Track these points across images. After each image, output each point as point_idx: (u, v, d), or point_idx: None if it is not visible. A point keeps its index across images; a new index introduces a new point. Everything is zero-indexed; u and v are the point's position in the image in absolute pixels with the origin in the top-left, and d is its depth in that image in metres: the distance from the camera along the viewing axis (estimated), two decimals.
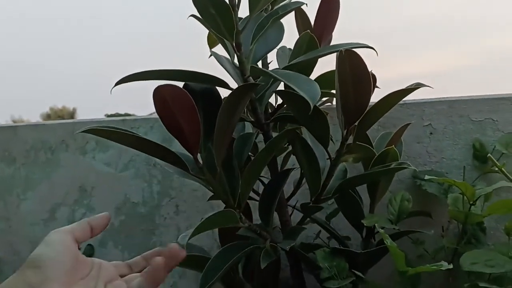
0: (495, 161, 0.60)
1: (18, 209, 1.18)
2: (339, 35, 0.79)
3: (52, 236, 0.47)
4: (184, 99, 0.57)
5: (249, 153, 0.72)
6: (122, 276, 0.53)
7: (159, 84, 0.57)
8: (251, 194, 0.79)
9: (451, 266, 0.52)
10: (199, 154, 0.63)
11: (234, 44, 0.63)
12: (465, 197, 0.69)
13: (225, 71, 0.70)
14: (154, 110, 0.62)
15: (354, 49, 0.60)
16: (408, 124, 0.77)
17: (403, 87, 0.66)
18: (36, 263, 0.44)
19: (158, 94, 0.56)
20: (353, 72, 0.60)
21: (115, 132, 0.58)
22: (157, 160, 0.69)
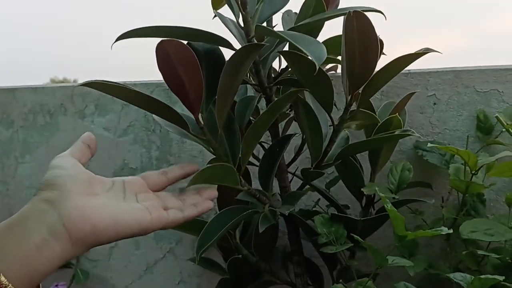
0: (502, 121, 0.59)
1: (16, 172, 1.17)
2: (347, 2, 0.77)
3: (55, 161, 0.48)
4: (188, 55, 0.56)
5: (251, 118, 0.72)
6: (157, 185, 0.55)
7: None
8: (252, 160, 0.79)
9: (451, 231, 0.52)
10: (200, 114, 0.62)
11: (239, 2, 0.62)
12: (467, 167, 0.68)
13: (229, 34, 0.69)
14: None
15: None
16: (413, 93, 0.76)
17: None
18: (50, 182, 0.45)
19: (161, 49, 0.55)
20: (361, 34, 0.59)
21: (115, 87, 0.57)
22: (157, 119, 0.68)
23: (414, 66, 0.67)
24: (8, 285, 0.39)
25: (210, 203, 0.56)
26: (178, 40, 0.55)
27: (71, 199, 0.44)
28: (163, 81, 0.58)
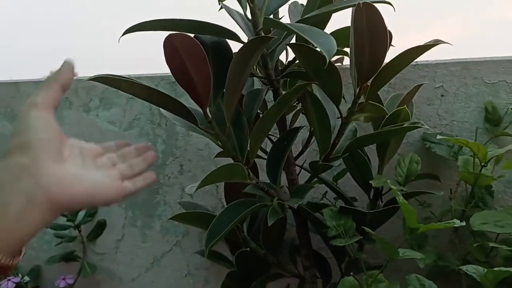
0: None
1: None
2: None
3: (27, 119, 0.44)
4: (196, 49, 0.55)
5: (258, 111, 0.71)
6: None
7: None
8: (259, 152, 0.78)
9: (463, 223, 0.52)
10: (208, 108, 0.61)
11: None
12: (475, 159, 0.68)
13: (235, 27, 0.69)
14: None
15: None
16: (420, 85, 0.75)
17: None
18: (22, 145, 0.43)
19: (169, 43, 0.54)
20: (370, 26, 0.58)
21: (122, 81, 0.56)
22: (165, 113, 0.68)
23: (421, 57, 0.66)
24: None
25: (154, 175, 0.54)
26: (185, 33, 0.55)
27: (46, 167, 0.43)
28: (168, 74, 0.58)
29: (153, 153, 0.56)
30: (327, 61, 0.52)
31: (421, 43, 0.65)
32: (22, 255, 0.45)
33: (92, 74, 0.61)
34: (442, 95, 0.81)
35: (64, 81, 0.47)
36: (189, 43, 0.55)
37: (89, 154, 0.50)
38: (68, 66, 0.48)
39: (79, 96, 1.10)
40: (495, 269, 0.49)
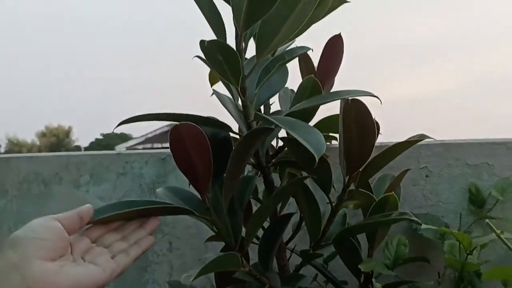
0: (494, 228, 0.60)
1: None
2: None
3: (33, 221, 0.51)
4: (200, 139, 0.58)
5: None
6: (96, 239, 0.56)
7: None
8: None
9: None
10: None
11: (239, 89, 0.64)
12: (461, 245, 0.70)
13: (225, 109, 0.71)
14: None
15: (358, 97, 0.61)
16: (408, 170, 0.78)
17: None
18: (14, 242, 0.48)
19: (176, 132, 0.57)
20: (358, 121, 0.61)
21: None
22: (159, 192, 0.70)
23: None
24: None
25: (152, 238, 0.60)
26: (192, 124, 0.57)
27: (32, 265, 0.46)
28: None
29: (155, 219, 0.58)
30: (317, 160, 0.54)
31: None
32: None
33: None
34: (427, 176, 0.84)
35: (82, 213, 0.54)
36: (195, 132, 0.58)
37: (79, 250, 0.53)
38: (89, 207, 0.55)
39: (69, 172, 1.10)
40: None
